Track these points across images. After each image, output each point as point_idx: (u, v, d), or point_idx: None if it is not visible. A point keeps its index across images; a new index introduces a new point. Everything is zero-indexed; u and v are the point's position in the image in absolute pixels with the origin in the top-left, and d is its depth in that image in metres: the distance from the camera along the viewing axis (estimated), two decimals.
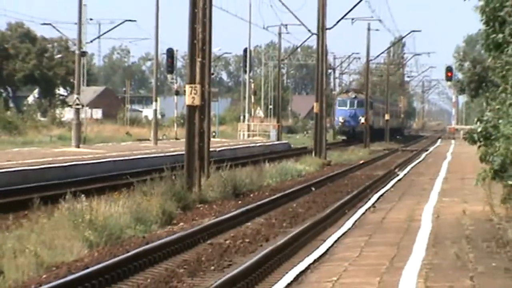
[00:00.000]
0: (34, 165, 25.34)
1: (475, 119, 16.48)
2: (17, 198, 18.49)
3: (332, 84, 70.48)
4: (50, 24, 58.81)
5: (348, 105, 59.21)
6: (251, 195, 22.84)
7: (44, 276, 10.56)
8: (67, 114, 61.75)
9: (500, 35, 13.77)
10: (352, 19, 45.34)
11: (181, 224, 16.58)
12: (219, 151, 33.17)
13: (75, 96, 38.77)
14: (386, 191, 23.81)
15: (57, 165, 25.99)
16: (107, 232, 13.67)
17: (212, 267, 11.46)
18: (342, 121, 59.19)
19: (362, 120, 54.36)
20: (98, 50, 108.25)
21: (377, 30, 59.61)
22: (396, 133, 77.58)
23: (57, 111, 71.14)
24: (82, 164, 27.63)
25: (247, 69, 57.39)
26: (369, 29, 56.76)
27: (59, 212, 13.95)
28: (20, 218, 15.10)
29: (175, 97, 53.70)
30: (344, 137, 57.51)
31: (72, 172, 25.29)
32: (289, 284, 9.50)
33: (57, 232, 12.48)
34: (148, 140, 48.44)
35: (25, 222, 13.93)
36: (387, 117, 66.32)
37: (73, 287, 9.41)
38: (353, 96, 60.21)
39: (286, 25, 57.72)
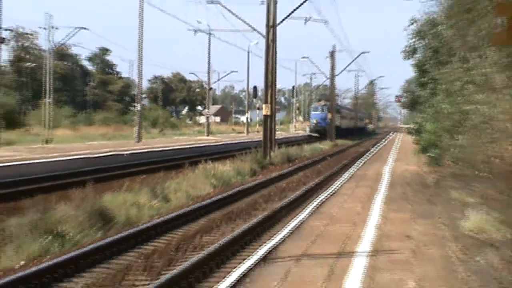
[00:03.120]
0: (185, 145, 39.75)
1: (412, 122, 30.70)
2: (177, 163, 27.03)
3: None
4: (193, 73, 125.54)
5: (320, 110, 70.43)
6: (296, 161, 34.38)
7: (190, 202, 17.46)
8: (202, 119, 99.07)
9: (424, 79, 21.94)
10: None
11: (260, 176, 26.01)
12: (279, 138, 46.17)
13: (206, 110, 69.54)
14: (366, 159, 35.44)
15: (197, 145, 40.83)
16: (222, 180, 22.28)
17: (276, 198, 18.19)
18: (315, 122, 71.41)
19: (326, 120, 65.98)
20: (217, 86, 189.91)
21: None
22: (362, 131, 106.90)
23: (197, 118, 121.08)
24: (210, 145, 43.19)
25: (294, 96, 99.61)
26: (332, 55, 66.02)
27: (198, 170, 22.49)
28: (178, 173, 21.96)
29: (257, 110, 79.97)
30: (317, 135, 67.07)
31: (204, 149, 39.28)
32: (316, 206, 15.62)
33: (197, 180, 20.58)
34: (243, 133, 76.12)
35: (181, 175, 21.28)
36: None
37: (206, 206, 16.08)
38: (323, 103, 70.87)
39: (314, 73, 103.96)
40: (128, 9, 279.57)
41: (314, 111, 73.72)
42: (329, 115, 65.08)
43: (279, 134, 56.69)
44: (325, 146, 52.03)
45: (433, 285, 8.59)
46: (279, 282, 8.64)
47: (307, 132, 74.31)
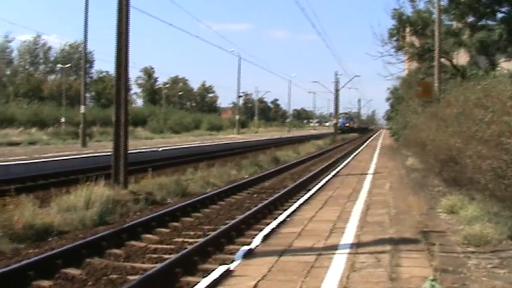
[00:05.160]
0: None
1: (389, 125, 63.37)
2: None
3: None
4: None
5: (344, 118, 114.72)
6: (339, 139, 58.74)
7: (234, 183, 24.46)
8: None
9: (394, 108, 45.16)
10: None
11: (332, 145, 46.17)
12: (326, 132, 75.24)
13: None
14: (371, 139, 60.56)
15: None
16: (262, 167, 29.97)
17: (291, 180, 26.22)
18: (339, 125, 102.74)
19: (347, 124, 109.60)
20: None
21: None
22: (364, 130, 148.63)
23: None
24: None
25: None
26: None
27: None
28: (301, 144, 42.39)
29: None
30: (339, 131, 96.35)
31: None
32: (321, 186, 20.34)
33: (310, 147, 42.99)
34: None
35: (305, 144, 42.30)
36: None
37: (242, 185, 22.35)
38: (343, 115, 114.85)
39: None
40: None
41: (340, 118, 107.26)
42: (350, 121, 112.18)
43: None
44: (348, 136, 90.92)
45: (395, 184, 19.15)
46: (340, 182, 27.23)
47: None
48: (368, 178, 22.31)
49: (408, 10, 32.41)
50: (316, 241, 9.62)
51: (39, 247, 11.21)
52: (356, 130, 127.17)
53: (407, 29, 32.86)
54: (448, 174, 15.26)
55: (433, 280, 6.55)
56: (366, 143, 63.14)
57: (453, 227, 11.25)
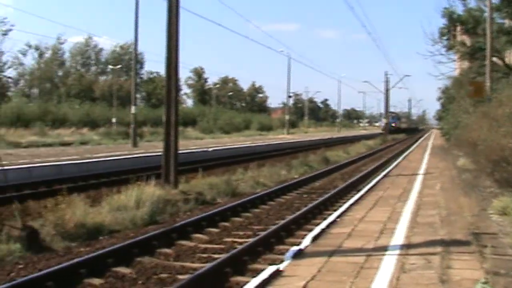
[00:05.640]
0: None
1: (440, 125, 63.85)
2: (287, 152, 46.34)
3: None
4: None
5: (391, 118, 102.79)
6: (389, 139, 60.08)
7: (284, 183, 24.65)
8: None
9: (445, 108, 44.48)
10: None
11: (383, 145, 45.78)
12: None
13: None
14: (422, 139, 59.74)
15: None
16: (312, 168, 30.26)
17: (341, 181, 27.45)
18: (385, 124, 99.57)
19: (393, 124, 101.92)
20: None
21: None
22: (414, 130, 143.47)
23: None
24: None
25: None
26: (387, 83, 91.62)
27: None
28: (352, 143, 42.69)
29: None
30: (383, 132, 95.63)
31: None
32: (371, 186, 20.20)
33: (360, 147, 43.18)
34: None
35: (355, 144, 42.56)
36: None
37: (293, 185, 22.66)
38: (390, 114, 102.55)
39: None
40: None
41: (384, 118, 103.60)
42: (397, 121, 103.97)
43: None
44: (399, 136, 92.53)
45: (446, 185, 19.11)
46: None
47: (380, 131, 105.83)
48: (419, 178, 22.06)
49: (459, 9, 32.06)
50: (366, 241, 9.57)
51: (90, 246, 11.37)
52: (405, 130, 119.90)
53: (458, 28, 32.41)
54: (500, 174, 15.00)
55: (484, 282, 6.46)
56: (417, 143, 62.68)
57: (505, 229, 11.03)
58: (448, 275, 7.29)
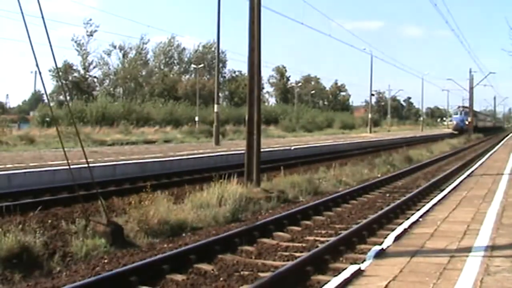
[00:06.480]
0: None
1: None
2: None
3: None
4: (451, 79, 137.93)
5: (458, 114, 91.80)
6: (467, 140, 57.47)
7: (366, 182, 23.13)
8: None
9: None
10: None
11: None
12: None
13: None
14: (499, 146, 52.70)
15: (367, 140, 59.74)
16: (395, 166, 29.33)
17: (424, 180, 33.78)
18: (455, 123, 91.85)
19: (466, 122, 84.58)
20: None
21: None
22: (498, 129, 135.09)
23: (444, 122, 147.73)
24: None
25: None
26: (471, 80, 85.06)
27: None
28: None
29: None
30: (456, 132, 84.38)
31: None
32: (454, 186, 19.48)
33: (444, 146, 42.36)
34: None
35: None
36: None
37: (375, 184, 21.82)
38: (461, 110, 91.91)
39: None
40: None
41: (454, 115, 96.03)
42: (469, 119, 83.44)
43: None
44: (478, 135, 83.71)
45: None
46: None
47: (451, 131, 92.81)
48: (505, 178, 21.39)
49: None
50: (449, 242, 9.38)
51: (173, 242, 11.52)
52: (482, 129, 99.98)
53: None
54: None
55: None
56: (502, 142, 60.70)
57: None
58: None
